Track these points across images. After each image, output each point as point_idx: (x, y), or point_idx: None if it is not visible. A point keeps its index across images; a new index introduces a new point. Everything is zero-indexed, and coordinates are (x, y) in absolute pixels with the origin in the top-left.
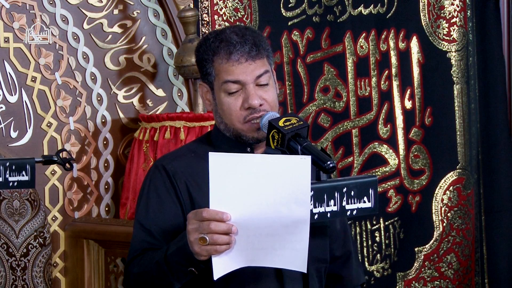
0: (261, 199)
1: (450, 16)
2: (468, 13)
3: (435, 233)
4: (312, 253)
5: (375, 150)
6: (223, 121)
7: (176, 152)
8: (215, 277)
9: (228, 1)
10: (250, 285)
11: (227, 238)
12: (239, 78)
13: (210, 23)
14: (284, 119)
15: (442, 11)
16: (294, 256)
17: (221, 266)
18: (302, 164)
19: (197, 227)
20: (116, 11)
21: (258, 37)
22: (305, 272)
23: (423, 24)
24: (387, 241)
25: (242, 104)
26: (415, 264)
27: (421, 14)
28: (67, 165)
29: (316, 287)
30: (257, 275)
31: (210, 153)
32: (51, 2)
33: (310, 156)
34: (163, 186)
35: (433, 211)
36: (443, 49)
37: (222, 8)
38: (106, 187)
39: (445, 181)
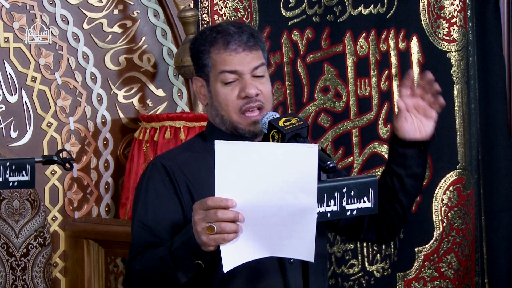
0: (267, 187)
1: (450, 16)
2: (468, 13)
3: (435, 233)
4: None
5: (375, 150)
6: (219, 114)
7: (173, 151)
8: (225, 269)
9: (228, 1)
10: (254, 281)
11: (234, 226)
12: (236, 68)
13: (210, 23)
14: (284, 119)
15: (442, 11)
16: (302, 246)
17: (230, 258)
18: (309, 152)
19: (203, 217)
20: (116, 11)
21: (254, 30)
22: (313, 261)
23: (423, 24)
24: None
25: (238, 94)
26: (415, 264)
27: (421, 14)
28: (67, 165)
29: (316, 282)
30: (260, 271)
31: (216, 141)
32: (51, 2)
33: (317, 145)
34: (162, 183)
35: (433, 211)
36: (443, 49)
37: (222, 8)
38: (106, 187)
39: (445, 181)
